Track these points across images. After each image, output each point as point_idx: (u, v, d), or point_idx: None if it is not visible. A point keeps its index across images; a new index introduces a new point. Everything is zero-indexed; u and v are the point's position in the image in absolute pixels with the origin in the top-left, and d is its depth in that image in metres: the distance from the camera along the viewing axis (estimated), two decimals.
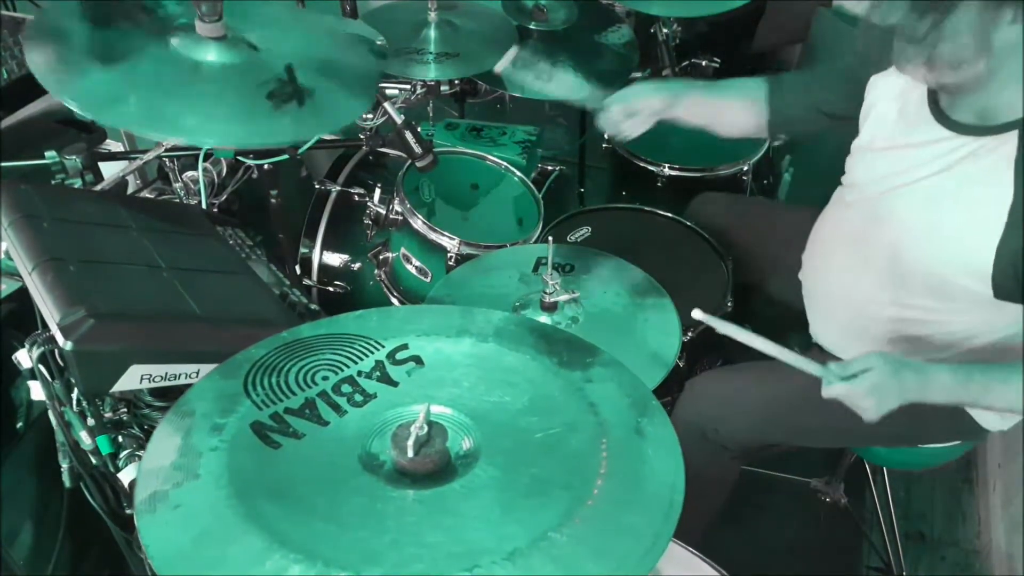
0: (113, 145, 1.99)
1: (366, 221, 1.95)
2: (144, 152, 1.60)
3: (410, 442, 0.80)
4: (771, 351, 1.24)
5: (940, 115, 1.24)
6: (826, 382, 1.22)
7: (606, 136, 2.13)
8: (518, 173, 2.00)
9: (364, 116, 1.85)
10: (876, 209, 1.34)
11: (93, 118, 1.33)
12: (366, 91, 1.48)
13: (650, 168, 2.08)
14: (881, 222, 1.33)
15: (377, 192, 1.93)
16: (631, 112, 1.51)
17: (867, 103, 1.38)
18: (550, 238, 1.41)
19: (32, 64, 1.28)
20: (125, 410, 1.13)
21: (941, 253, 1.25)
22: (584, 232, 1.85)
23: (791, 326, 1.56)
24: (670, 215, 1.86)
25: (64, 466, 1.17)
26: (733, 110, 1.56)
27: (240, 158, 1.64)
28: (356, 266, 2.07)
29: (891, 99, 1.33)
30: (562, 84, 1.59)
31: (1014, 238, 1.16)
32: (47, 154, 1.44)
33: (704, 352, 1.71)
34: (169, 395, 1.12)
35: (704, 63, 2.45)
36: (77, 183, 1.45)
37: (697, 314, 1.23)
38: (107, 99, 1.27)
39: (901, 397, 1.20)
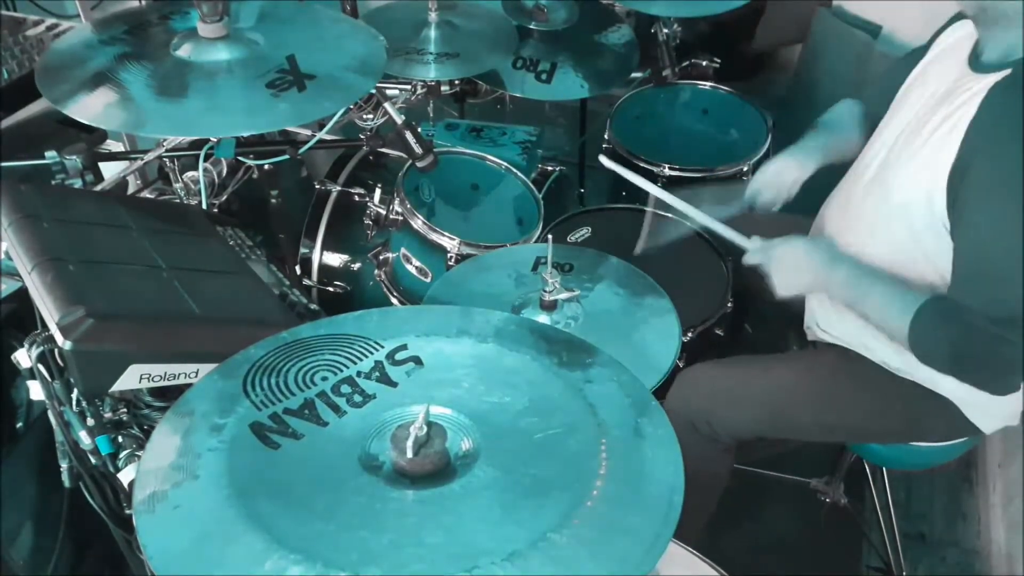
0: (113, 145, 1.99)
1: (366, 221, 1.95)
2: (144, 152, 1.60)
3: (409, 443, 0.80)
4: (691, 213, 1.44)
5: (973, 60, 1.27)
6: (750, 252, 1.39)
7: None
8: (518, 173, 2.00)
9: (364, 116, 1.85)
10: (892, 149, 1.36)
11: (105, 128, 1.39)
12: (369, 72, 1.49)
13: (650, 168, 2.07)
14: (893, 159, 1.34)
15: (377, 192, 1.93)
16: (779, 187, 1.57)
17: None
18: (550, 238, 1.41)
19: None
20: (125, 410, 1.13)
21: (922, 177, 1.25)
22: (584, 232, 1.85)
23: (791, 326, 1.56)
24: (670, 215, 1.86)
25: (64, 466, 1.17)
26: (853, 140, 1.58)
27: (240, 158, 1.64)
28: (356, 266, 2.07)
29: (945, 50, 1.38)
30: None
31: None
32: (47, 154, 1.44)
33: (704, 353, 1.71)
34: (169, 395, 1.12)
35: (704, 63, 2.45)
36: (77, 183, 1.44)
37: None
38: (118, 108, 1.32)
39: (809, 275, 1.35)
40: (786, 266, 1.36)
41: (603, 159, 1.53)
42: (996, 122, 1.15)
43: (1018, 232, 1.12)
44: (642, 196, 2.00)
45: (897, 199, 1.29)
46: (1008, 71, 1.18)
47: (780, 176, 1.55)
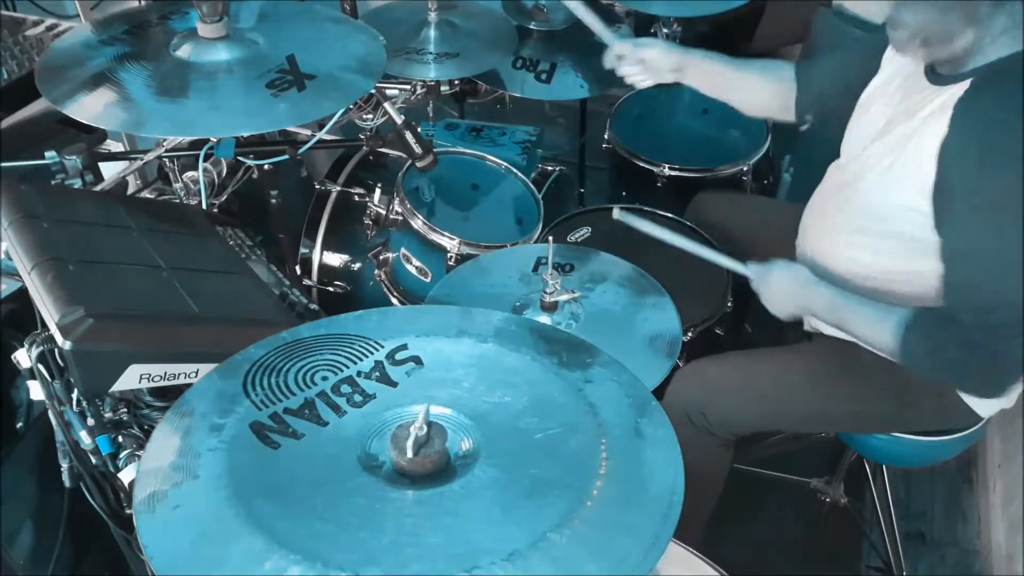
0: (113, 145, 1.99)
1: (366, 221, 1.95)
2: (144, 152, 1.60)
3: (409, 442, 0.80)
4: (694, 249, 1.48)
5: (929, 73, 1.29)
6: (751, 280, 1.46)
7: (605, 136, 2.15)
8: (518, 173, 2.00)
9: (364, 116, 1.85)
10: (860, 159, 1.38)
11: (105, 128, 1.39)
12: (369, 72, 1.50)
13: (650, 168, 2.08)
14: (862, 169, 1.36)
15: (377, 192, 1.93)
16: (637, 59, 1.56)
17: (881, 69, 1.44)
18: (550, 238, 1.41)
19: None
20: (125, 410, 1.13)
21: (901, 192, 1.27)
22: (584, 232, 1.85)
23: (790, 325, 1.55)
24: (670, 215, 1.86)
25: (64, 466, 1.17)
26: (753, 85, 1.59)
27: (240, 158, 1.64)
28: (356, 266, 2.07)
29: (896, 63, 1.39)
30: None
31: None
32: (47, 154, 1.44)
33: (704, 352, 1.71)
34: (169, 395, 1.12)
35: None
36: (77, 183, 1.45)
37: (616, 213, 1.47)
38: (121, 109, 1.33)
39: (792, 303, 1.42)
40: (775, 293, 1.43)
41: (617, 214, 1.49)
42: (968, 142, 1.18)
43: (1009, 245, 1.15)
44: (642, 196, 2.01)
45: (879, 208, 1.32)
46: (967, 83, 1.20)
47: (642, 51, 1.56)
